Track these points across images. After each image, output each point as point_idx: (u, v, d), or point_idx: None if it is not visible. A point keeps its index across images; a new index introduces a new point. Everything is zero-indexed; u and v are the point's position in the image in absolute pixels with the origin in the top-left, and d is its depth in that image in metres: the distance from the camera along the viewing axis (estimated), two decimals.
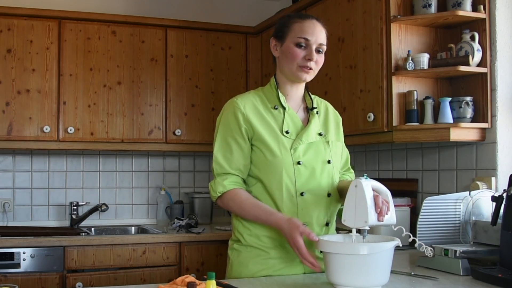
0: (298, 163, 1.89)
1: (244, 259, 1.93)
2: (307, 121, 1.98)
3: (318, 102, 2.06)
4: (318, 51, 1.91)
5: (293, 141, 1.91)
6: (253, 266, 1.91)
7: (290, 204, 1.88)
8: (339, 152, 2.04)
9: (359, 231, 1.76)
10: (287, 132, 1.91)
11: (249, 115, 1.91)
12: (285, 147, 1.89)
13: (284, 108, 1.95)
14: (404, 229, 1.77)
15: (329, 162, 1.95)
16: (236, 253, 1.97)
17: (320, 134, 1.97)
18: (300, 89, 2.00)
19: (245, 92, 2.06)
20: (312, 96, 2.04)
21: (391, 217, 1.78)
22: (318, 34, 1.90)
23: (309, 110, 2.01)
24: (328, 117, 2.05)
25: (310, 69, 1.90)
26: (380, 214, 1.72)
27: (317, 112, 2.01)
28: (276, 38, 1.97)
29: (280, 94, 1.96)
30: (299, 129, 1.94)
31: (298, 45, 1.89)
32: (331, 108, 2.11)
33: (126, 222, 3.88)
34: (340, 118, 2.12)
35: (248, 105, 1.93)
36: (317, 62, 1.91)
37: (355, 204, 1.73)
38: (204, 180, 4.13)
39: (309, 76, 1.93)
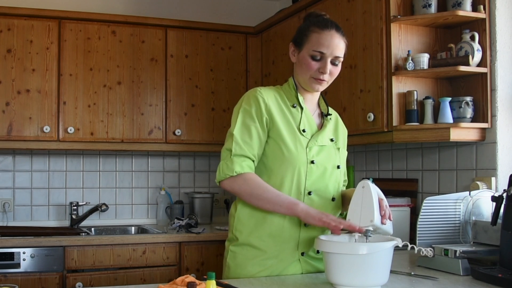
0: (312, 162, 1.90)
1: (241, 261, 1.93)
2: (321, 126, 2.01)
3: (331, 110, 2.09)
4: (333, 63, 1.91)
5: (309, 140, 1.92)
6: (251, 268, 1.91)
7: None
8: (345, 161, 2.07)
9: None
10: (304, 131, 1.93)
11: (271, 106, 1.92)
12: (301, 144, 1.90)
13: (302, 108, 1.97)
14: (401, 240, 1.76)
15: (338, 167, 1.98)
16: (232, 256, 1.95)
17: (331, 140, 2.00)
18: (315, 94, 2.03)
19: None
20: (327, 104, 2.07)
21: (389, 225, 1.80)
22: (334, 47, 1.89)
23: (323, 115, 2.04)
24: (338, 127, 2.08)
25: (323, 80, 1.91)
26: (383, 217, 1.75)
27: (330, 119, 2.04)
28: (294, 44, 1.98)
29: (298, 95, 1.98)
30: (314, 131, 1.96)
31: (313, 58, 1.89)
32: (340, 120, 2.14)
33: (126, 222, 3.88)
34: (346, 131, 2.14)
35: (270, 97, 1.94)
36: (332, 73, 1.92)
37: (361, 203, 1.75)
38: (204, 180, 4.13)
39: (322, 87, 1.95)
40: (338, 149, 2.01)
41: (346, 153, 2.10)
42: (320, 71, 1.89)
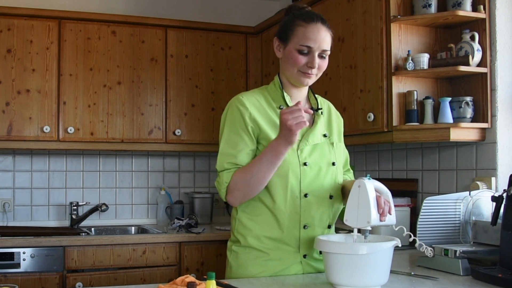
0: (305, 164, 1.88)
1: (243, 261, 1.93)
2: (312, 122, 1.98)
3: (321, 102, 2.06)
4: (321, 56, 1.89)
5: (299, 141, 1.90)
6: (252, 268, 1.90)
7: (293, 205, 1.88)
8: (342, 154, 2.05)
9: (360, 231, 1.76)
10: None
11: (254, 114, 1.89)
12: (291, 147, 1.88)
13: None
14: (405, 229, 1.77)
15: (333, 164, 1.95)
16: (234, 255, 1.95)
17: (324, 136, 1.97)
18: (304, 90, 2.00)
19: (249, 90, 2.05)
20: (316, 96, 2.04)
21: (392, 217, 1.79)
22: (321, 40, 1.87)
23: (314, 110, 2.00)
24: (331, 118, 2.05)
25: (312, 74, 1.90)
26: (382, 214, 1.74)
27: (321, 113, 2.01)
28: (279, 39, 1.95)
29: (285, 94, 1.95)
30: (304, 130, 1.92)
31: (300, 52, 1.87)
32: (333, 108, 2.11)
33: (126, 222, 3.88)
34: (342, 119, 2.12)
35: (253, 103, 1.91)
36: (320, 67, 1.89)
37: (358, 204, 1.74)
38: (204, 180, 4.13)
39: (311, 81, 1.92)
40: (332, 144, 1.97)
41: (342, 144, 2.06)
42: (308, 66, 1.87)
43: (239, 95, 1.95)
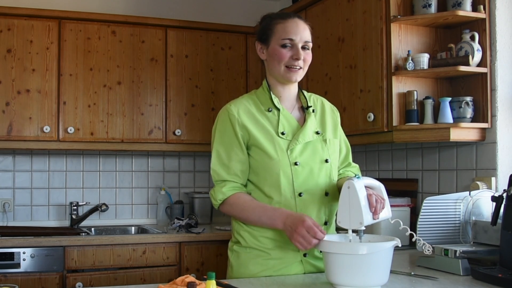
0: (295, 164, 1.88)
1: (244, 260, 1.93)
2: (303, 121, 1.98)
3: (314, 100, 2.06)
4: (304, 48, 1.91)
5: (290, 141, 1.90)
6: (253, 267, 1.91)
7: (289, 205, 1.88)
8: (337, 150, 2.03)
9: (355, 231, 1.77)
10: (282, 133, 1.91)
11: (243, 120, 1.91)
12: (281, 148, 1.89)
13: (278, 110, 1.95)
14: (401, 222, 1.78)
15: (326, 161, 1.95)
16: (235, 255, 1.96)
17: (317, 133, 1.97)
18: (293, 89, 2.00)
19: (242, 94, 2.07)
20: (308, 94, 2.04)
21: (386, 211, 1.80)
22: (301, 33, 1.90)
23: (304, 109, 2.01)
24: (325, 114, 2.05)
25: (299, 68, 1.91)
26: (374, 212, 1.75)
27: (313, 111, 2.00)
28: (260, 42, 1.98)
29: (273, 96, 1.96)
30: (295, 129, 1.93)
31: (284, 46, 1.89)
32: (327, 104, 2.10)
33: (126, 222, 3.88)
34: (338, 114, 2.11)
35: (242, 110, 1.93)
36: (305, 60, 1.91)
37: (349, 205, 1.75)
38: (204, 180, 4.13)
39: (299, 76, 1.93)
40: (325, 141, 1.97)
41: (338, 140, 2.04)
42: (294, 58, 1.89)
43: (227, 105, 1.97)
